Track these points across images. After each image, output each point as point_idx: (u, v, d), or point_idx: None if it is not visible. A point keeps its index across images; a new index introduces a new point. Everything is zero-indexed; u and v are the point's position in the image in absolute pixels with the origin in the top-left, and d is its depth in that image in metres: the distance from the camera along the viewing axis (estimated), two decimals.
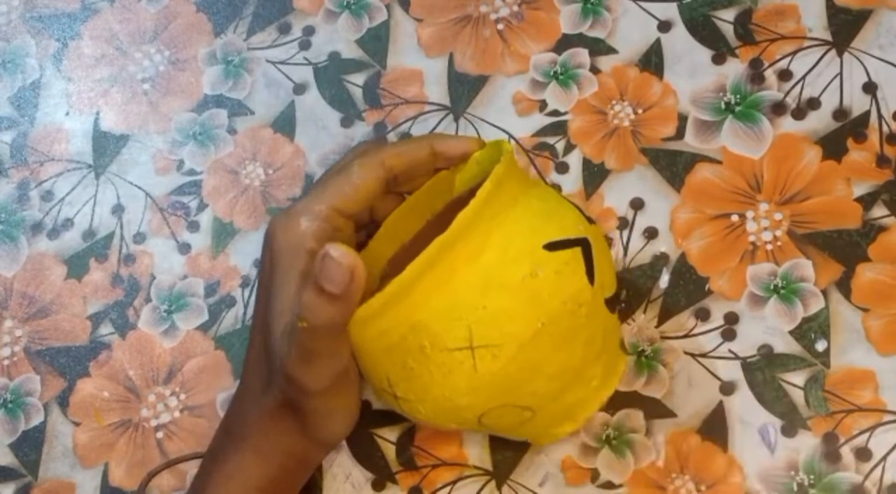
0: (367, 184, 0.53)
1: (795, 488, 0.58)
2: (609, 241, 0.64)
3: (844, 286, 0.61)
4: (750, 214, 0.63)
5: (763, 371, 0.60)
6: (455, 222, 0.47)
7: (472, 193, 0.49)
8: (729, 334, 0.61)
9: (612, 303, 0.53)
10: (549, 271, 0.49)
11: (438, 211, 0.57)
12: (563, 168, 0.66)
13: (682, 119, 0.66)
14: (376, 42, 0.70)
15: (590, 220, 0.54)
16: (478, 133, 0.67)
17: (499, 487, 0.60)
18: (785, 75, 0.66)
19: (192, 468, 0.63)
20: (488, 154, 0.54)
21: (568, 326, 0.49)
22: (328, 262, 0.47)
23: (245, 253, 0.66)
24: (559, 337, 0.49)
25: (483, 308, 0.48)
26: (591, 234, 0.52)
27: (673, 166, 0.65)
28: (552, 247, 0.49)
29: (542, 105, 0.67)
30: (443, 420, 0.51)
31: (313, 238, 0.51)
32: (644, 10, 0.68)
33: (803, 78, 0.66)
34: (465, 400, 0.49)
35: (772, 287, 0.62)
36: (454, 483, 0.60)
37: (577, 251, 0.50)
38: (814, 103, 0.65)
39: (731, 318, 0.61)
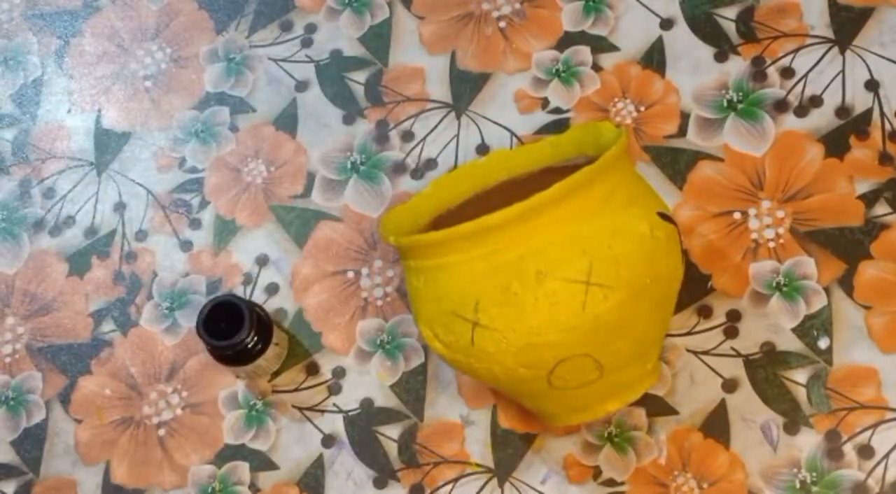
0: None
1: (798, 485, 0.58)
2: None
3: (847, 283, 0.61)
4: (752, 212, 0.63)
5: (765, 368, 0.60)
6: (593, 166, 0.48)
7: (544, 172, 0.50)
8: (731, 331, 0.61)
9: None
10: (662, 234, 0.51)
11: (492, 185, 0.58)
12: None
13: (685, 116, 0.66)
14: (378, 39, 0.70)
15: None
16: (479, 130, 0.67)
17: (500, 485, 0.60)
18: (787, 73, 0.66)
19: (193, 464, 0.63)
20: (571, 135, 0.55)
21: (663, 294, 0.51)
22: None
23: (247, 251, 0.66)
24: (655, 301, 0.50)
25: (609, 247, 0.49)
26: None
27: (675, 164, 0.65)
28: (662, 216, 0.52)
29: (545, 102, 0.67)
30: (515, 359, 0.50)
31: None
32: (646, 7, 0.68)
33: (805, 75, 0.66)
34: (558, 336, 0.49)
35: (774, 284, 0.62)
36: (456, 480, 0.60)
37: (676, 230, 0.53)
38: (816, 101, 0.65)
39: (734, 316, 0.61)
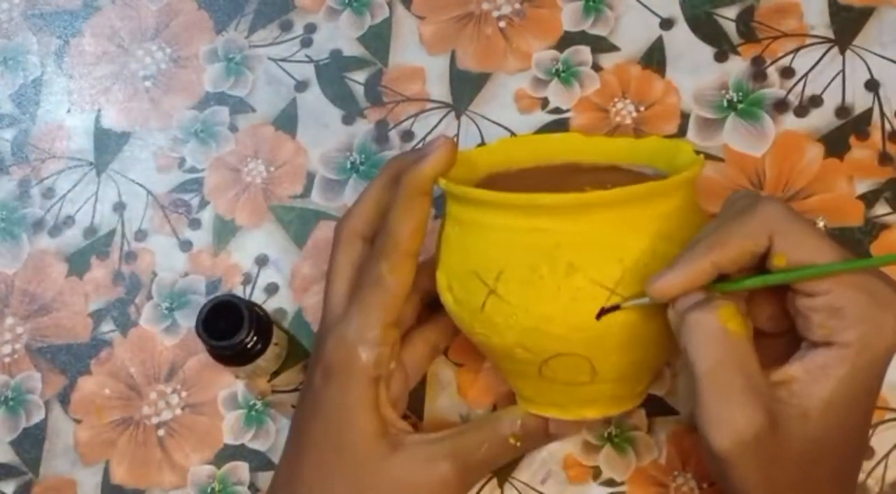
0: (404, 285, 0.52)
1: None
2: None
3: None
4: None
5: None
6: (661, 183, 0.48)
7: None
8: None
9: None
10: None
11: (557, 163, 0.57)
12: None
13: (685, 117, 0.66)
14: (378, 39, 0.70)
15: None
16: (479, 130, 0.67)
17: (500, 485, 0.60)
18: (787, 73, 0.66)
19: (193, 464, 0.63)
20: (649, 144, 0.56)
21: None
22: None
23: (246, 251, 0.66)
24: (667, 331, 0.49)
25: (645, 265, 0.48)
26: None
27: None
28: None
29: (544, 102, 0.67)
30: (518, 339, 0.50)
31: (375, 367, 0.52)
32: (646, 7, 0.68)
33: (805, 75, 0.66)
34: (566, 331, 0.49)
35: None
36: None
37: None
38: (816, 101, 0.65)
39: None
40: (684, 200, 0.50)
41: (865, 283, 0.45)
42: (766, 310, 0.49)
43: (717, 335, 0.44)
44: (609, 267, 0.48)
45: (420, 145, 0.67)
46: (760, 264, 0.47)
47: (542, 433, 0.55)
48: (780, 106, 0.65)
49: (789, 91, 0.65)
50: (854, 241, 0.62)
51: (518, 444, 0.55)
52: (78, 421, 0.64)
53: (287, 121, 0.69)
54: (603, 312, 0.48)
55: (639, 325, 0.49)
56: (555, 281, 0.48)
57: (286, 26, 0.71)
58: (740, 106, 0.65)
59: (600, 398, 0.53)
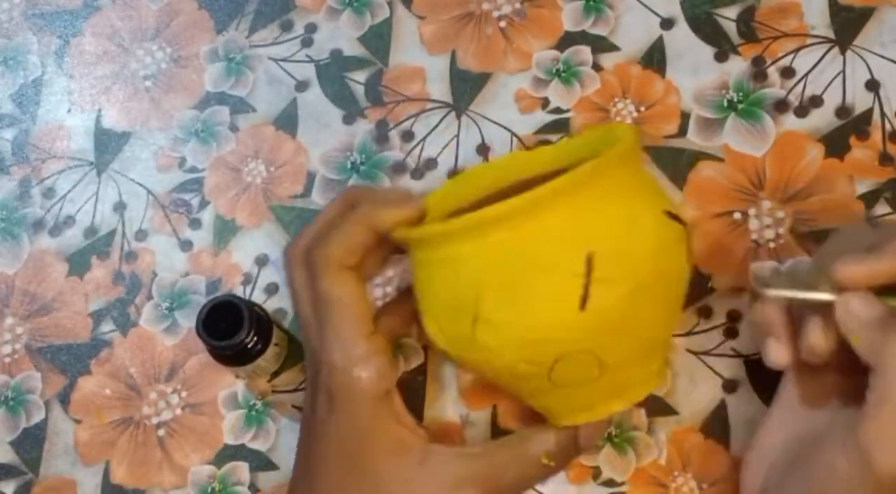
0: (353, 294, 0.52)
1: None
2: None
3: None
4: (752, 212, 0.63)
5: (765, 369, 0.60)
6: (596, 161, 0.47)
7: (551, 175, 0.49)
8: (731, 332, 0.61)
9: None
10: (668, 234, 0.50)
11: (506, 186, 0.56)
12: None
13: (685, 116, 0.66)
14: (378, 39, 0.70)
15: None
16: (480, 130, 0.67)
17: None
18: (787, 73, 0.66)
19: (193, 464, 0.63)
20: (584, 138, 0.55)
21: (670, 292, 0.50)
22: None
23: (247, 251, 0.66)
24: (660, 300, 0.49)
25: (611, 242, 0.48)
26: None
27: (675, 164, 0.65)
28: (670, 215, 0.50)
29: (545, 102, 0.67)
30: (516, 354, 0.49)
31: (380, 380, 0.52)
32: (646, 7, 0.68)
33: (806, 75, 0.65)
34: (558, 333, 0.48)
35: None
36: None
37: (684, 230, 0.51)
38: (816, 101, 0.65)
39: (734, 316, 0.61)
40: (629, 169, 0.50)
41: None
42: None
43: None
44: (576, 256, 0.47)
45: (420, 145, 0.67)
46: None
47: (574, 446, 0.54)
48: (781, 106, 0.65)
49: (790, 91, 0.65)
50: None
51: (552, 463, 0.54)
52: (78, 421, 0.64)
53: (287, 121, 0.69)
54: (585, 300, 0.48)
55: (630, 302, 0.48)
56: (529, 287, 0.48)
57: (287, 26, 0.71)
58: (741, 106, 0.65)
59: (619, 387, 0.52)
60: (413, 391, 0.62)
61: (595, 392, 0.52)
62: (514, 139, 0.66)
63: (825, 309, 0.48)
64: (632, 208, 0.49)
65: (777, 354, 0.48)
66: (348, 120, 0.68)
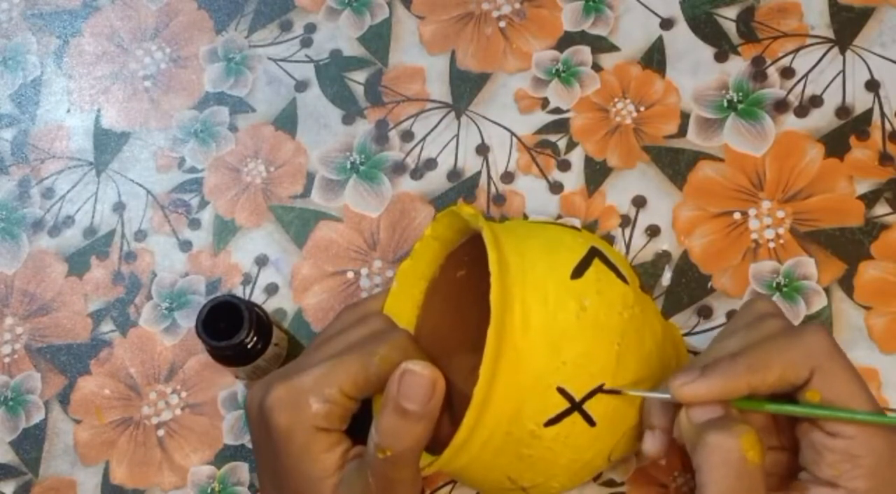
0: (381, 380, 0.49)
1: None
2: (610, 240, 0.64)
3: (847, 284, 0.61)
4: (752, 212, 0.63)
5: None
6: (494, 303, 0.46)
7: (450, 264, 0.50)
8: None
9: (643, 290, 0.54)
10: (593, 295, 0.49)
11: (432, 277, 0.57)
12: (564, 166, 0.66)
13: (685, 116, 0.66)
14: (378, 39, 0.70)
15: (574, 228, 0.54)
16: (479, 130, 0.67)
17: None
18: (787, 73, 0.66)
19: (193, 464, 0.63)
20: (443, 225, 0.55)
21: (635, 331, 0.50)
22: (409, 379, 0.46)
23: (246, 251, 0.66)
24: (635, 346, 0.49)
25: (563, 363, 0.47)
26: (590, 240, 0.52)
27: (675, 164, 0.65)
28: (577, 273, 0.49)
29: (545, 102, 0.67)
30: (578, 479, 0.51)
31: (325, 420, 0.49)
32: (646, 7, 0.68)
33: (806, 75, 0.65)
34: (590, 453, 0.49)
35: (774, 284, 0.62)
36: (454, 481, 0.60)
37: (597, 262, 0.50)
38: (816, 101, 0.65)
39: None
40: (514, 276, 0.48)
41: (890, 439, 0.45)
42: (772, 432, 0.49)
43: (736, 463, 0.44)
44: (549, 398, 0.47)
45: (420, 145, 0.67)
46: (791, 391, 0.46)
47: None
48: (781, 106, 0.65)
49: (789, 91, 0.65)
50: (854, 241, 0.62)
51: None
52: (78, 422, 0.64)
53: (287, 121, 0.69)
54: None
55: (619, 378, 0.48)
56: (540, 448, 0.48)
57: (286, 26, 0.71)
58: (740, 106, 0.65)
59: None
60: None
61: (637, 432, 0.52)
62: (514, 139, 0.66)
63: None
64: (550, 312, 0.48)
65: (648, 446, 0.49)
66: (348, 120, 0.68)
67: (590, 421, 0.48)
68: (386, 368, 0.49)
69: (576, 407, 0.47)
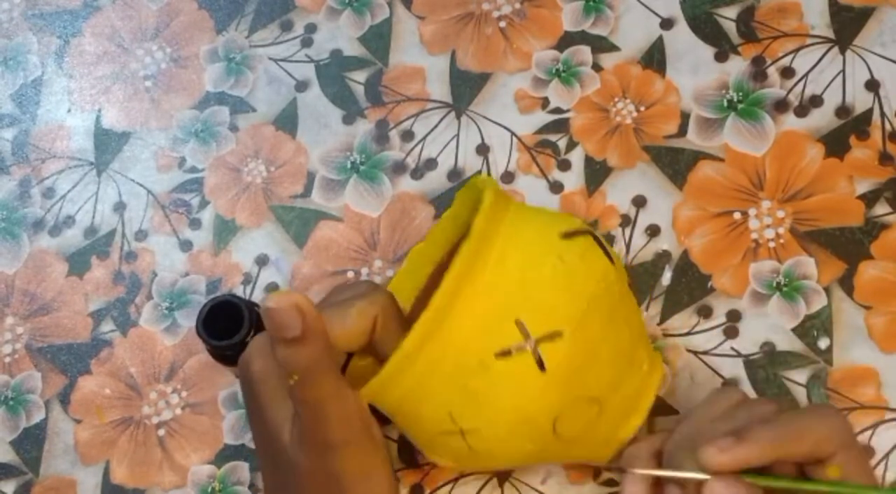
0: (359, 331, 0.50)
1: None
2: (610, 239, 0.64)
3: (847, 283, 0.61)
4: (752, 212, 0.63)
5: (765, 368, 0.60)
6: (473, 230, 0.47)
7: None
8: (731, 332, 0.61)
9: (630, 288, 0.54)
10: (574, 256, 0.49)
11: (440, 261, 0.57)
12: (565, 165, 0.66)
13: (685, 116, 0.66)
14: (378, 39, 0.70)
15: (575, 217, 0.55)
16: (479, 130, 0.67)
17: (500, 485, 0.60)
18: (787, 73, 0.66)
19: (194, 464, 0.63)
20: (460, 202, 0.55)
21: (608, 305, 0.50)
22: (273, 314, 0.46)
23: (247, 251, 0.66)
24: (605, 317, 0.49)
25: (526, 299, 0.47)
26: (588, 228, 0.53)
27: (675, 164, 0.65)
28: (568, 236, 0.50)
29: (545, 102, 0.67)
30: (517, 440, 0.50)
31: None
32: (646, 7, 0.68)
33: (806, 75, 0.66)
34: (537, 403, 0.48)
35: (774, 284, 0.62)
36: (455, 480, 0.60)
37: (589, 238, 0.51)
38: (816, 101, 0.65)
39: (734, 316, 0.61)
40: (506, 222, 0.49)
41: None
42: None
43: None
44: (505, 332, 0.47)
45: (420, 145, 0.67)
46: (812, 463, 0.48)
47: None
48: (781, 106, 0.65)
49: (789, 91, 0.65)
50: (854, 241, 0.62)
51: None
52: (78, 421, 0.64)
53: (287, 121, 0.69)
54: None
55: (580, 338, 0.48)
56: (488, 382, 0.47)
57: (286, 26, 0.71)
58: (740, 106, 0.65)
59: (625, 407, 0.52)
60: None
61: (606, 424, 0.52)
62: (514, 139, 0.66)
63: (690, 486, 0.48)
64: (528, 255, 0.48)
65: (629, 490, 0.49)
66: (348, 120, 0.68)
67: (541, 365, 0.47)
68: (361, 321, 0.50)
69: (529, 344, 0.47)
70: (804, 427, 0.47)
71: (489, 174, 0.66)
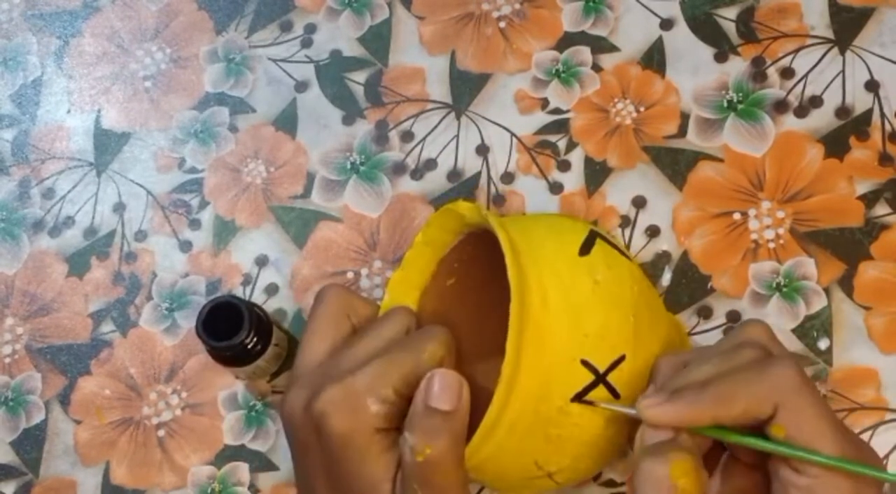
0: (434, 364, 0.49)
1: None
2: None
3: (847, 284, 0.61)
4: (752, 212, 0.63)
5: None
6: (513, 284, 0.46)
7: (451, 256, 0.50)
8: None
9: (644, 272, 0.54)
10: (603, 270, 0.49)
11: (420, 302, 0.56)
12: (564, 166, 0.66)
13: (684, 117, 0.66)
14: (378, 40, 0.70)
15: (571, 216, 0.54)
16: (479, 131, 0.67)
17: None
18: (787, 73, 0.66)
19: (194, 464, 0.63)
20: (436, 226, 0.54)
21: (647, 305, 0.50)
22: (440, 380, 0.46)
23: (246, 251, 0.66)
24: (649, 320, 0.49)
25: (585, 336, 0.47)
26: (588, 225, 0.53)
27: (675, 164, 0.65)
28: (584, 250, 0.50)
29: (544, 103, 0.67)
30: (602, 459, 0.51)
31: (384, 420, 0.48)
32: (646, 7, 0.68)
33: (805, 76, 0.66)
34: (615, 426, 0.49)
35: (774, 285, 0.62)
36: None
37: (600, 241, 0.51)
38: (816, 101, 0.65)
39: (734, 316, 0.61)
40: (525, 259, 0.48)
41: (854, 482, 0.44)
42: (742, 467, 0.48)
43: (665, 491, 0.43)
44: (573, 373, 0.47)
45: (420, 145, 0.67)
46: (759, 424, 0.46)
47: None
48: (780, 106, 0.65)
49: (789, 91, 0.65)
50: (854, 242, 0.62)
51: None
52: (78, 422, 0.64)
53: (287, 122, 0.69)
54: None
55: (637, 353, 0.48)
56: (567, 425, 0.48)
57: (286, 26, 0.71)
58: (740, 106, 0.65)
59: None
60: None
61: None
62: (514, 139, 0.66)
63: None
64: (565, 288, 0.48)
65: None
66: (348, 120, 0.68)
67: (614, 393, 0.48)
68: (434, 365, 0.49)
69: (600, 378, 0.47)
70: (738, 388, 0.45)
71: (489, 174, 0.66)
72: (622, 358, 0.48)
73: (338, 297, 0.53)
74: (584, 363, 0.47)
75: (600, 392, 0.48)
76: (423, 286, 0.56)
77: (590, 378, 0.47)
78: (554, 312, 0.47)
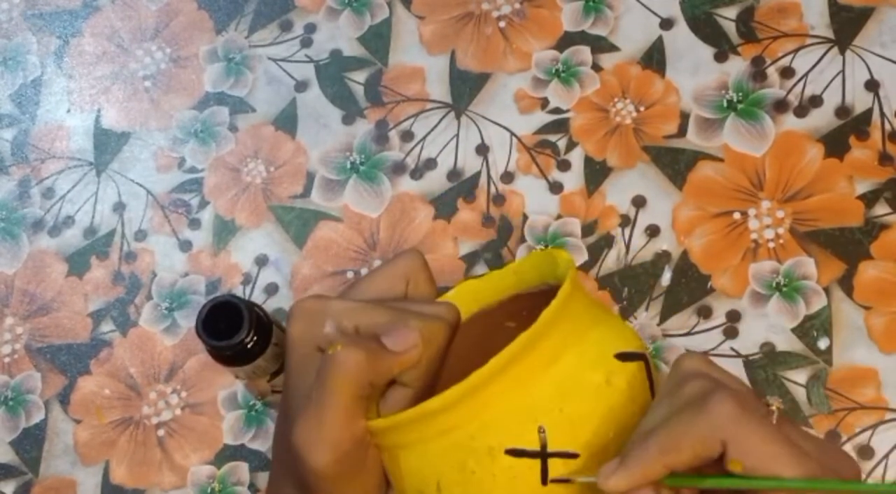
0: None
1: None
2: (610, 240, 0.64)
3: (846, 284, 0.61)
4: (752, 212, 0.63)
5: (765, 369, 0.60)
6: (539, 322, 0.45)
7: (505, 304, 0.49)
8: (731, 332, 0.61)
9: None
10: (622, 381, 0.48)
11: (466, 318, 0.54)
12: (564, 166, 0.66)
13: (684, 116, 0.66)
14: (378, 39, 0.70)
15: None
16: (479, 131, 0.67)
17: None
18: (787, 73, 0.66)
19: (193, 464, 0.63)
20: (531, 262, 0.53)
21: (630, 430, 0.47)
22: (401, 331, 0.46)
23: (246, 251, 0.66)
24: (622, 442, 0.47)
25: (560, 411, 0.46)
26: (645, 349, 0.51)
27: (675, 164, 0.65)
28: (622, 357, 0.48)
29: (544, 102, 0.67)
30: None
31: (328, 345, 0.47)
32: (646, 7, 0.68)
33: (805, 75, 0.66)
34: None
35: (774, 284, 0.62)
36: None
37: (642, 365, 0.49)
38: (816, 101, 0.65)
39: (733, 316, 0.61)
40: (573, 318, 0.47)
41: None
42: None
43: None
44: (527, 431, 0.46)
45: (420, 145, 0.67)
46: (719, 460, 0.44)
47: None
48: (780, 106, 0.65)
49: (789, 91, 0.65)
50: (854, 241, 0.62)
51: None
52: (78, 421, 0.64)
53: (287, 121, 0.69)
54: (552, 481, 0.46)
55: (591, 467, 0.46)
56: (486, 470, 0.46)
57: (286, 26, 0.71)
58: (740, 106, 0.65)
59: None
60: None
61: None
62: (514, 139, 0.66)
63: None
64: (579, 363, 0.47)
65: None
66: (348, 120, 0.68)
67: (544, 479, 0.47)
68: (411, 340, 0.48)
69: (542, 454, 0.46)
70: (680, 434, 0.43)
71: (488, 174, 0.66)
72: (573, 456, 0.47)
73: (412, 261, 0.52)
74: (540, 430, 0.46)
75: (533, 466, 0.46)
76: (486, 307, 0.55)
77: (535, 445, 0.46)
78: (552, 372, 0.46)
